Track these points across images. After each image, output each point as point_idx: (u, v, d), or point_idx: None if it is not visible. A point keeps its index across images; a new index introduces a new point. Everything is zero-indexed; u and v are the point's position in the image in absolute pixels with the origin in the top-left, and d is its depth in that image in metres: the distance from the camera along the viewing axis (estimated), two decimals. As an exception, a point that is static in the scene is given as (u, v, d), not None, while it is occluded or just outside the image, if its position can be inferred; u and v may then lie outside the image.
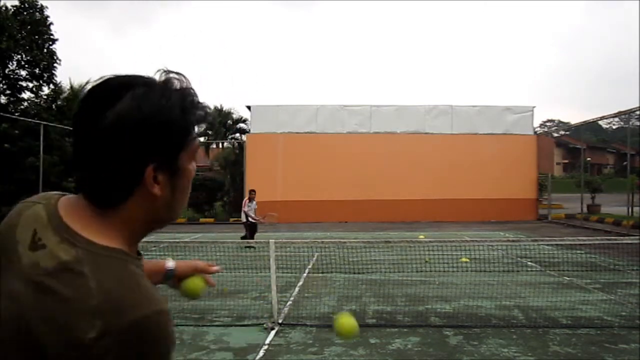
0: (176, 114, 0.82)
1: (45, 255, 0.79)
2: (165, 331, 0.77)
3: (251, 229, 12.90)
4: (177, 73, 0.86)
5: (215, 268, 1.31)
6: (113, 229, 0.82)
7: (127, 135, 0.78)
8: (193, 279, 1.28)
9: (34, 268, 0.78)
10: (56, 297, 0.75)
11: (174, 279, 1.26)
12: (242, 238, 12.27)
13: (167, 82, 0.84)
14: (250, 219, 12.87)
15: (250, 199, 13.17)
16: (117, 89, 0.81)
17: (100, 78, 0.85)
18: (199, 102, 0.87)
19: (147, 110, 0.79)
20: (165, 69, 0.85)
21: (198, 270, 1.28)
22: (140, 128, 0.79)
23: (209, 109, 0.89)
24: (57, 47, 21.61)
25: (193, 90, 0.87)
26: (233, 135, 32.58)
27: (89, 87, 0.84)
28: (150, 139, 0.80)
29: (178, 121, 0.83)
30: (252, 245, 11.09)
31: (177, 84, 0.85)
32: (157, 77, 0.84)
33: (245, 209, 12.98)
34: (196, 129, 0.88)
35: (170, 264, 1.26)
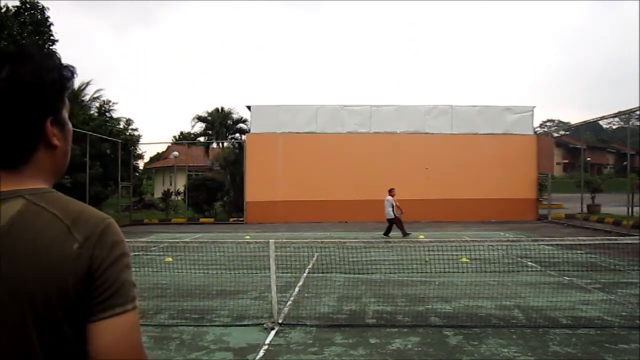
0: (57, 74, 0.95)
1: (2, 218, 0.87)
2: (119, 232, 0.95)
3: (393, 223, 14.60)
4: (35, 43, 0.98)
5: None
6: (35, 178, 0.94)
7: (26, 96, 0.91)
8: None
9: (9, 232, 0.86)
10: (28, 237, 0.86)
11: None
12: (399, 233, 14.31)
13: (41, 50, 0.98)
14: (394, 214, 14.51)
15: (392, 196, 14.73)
16: (6, 59, 0.92)
17: None
18: (66, 64, 0.99)
19: (38, 73, 0.92)
20: (27, 43, 0.95)
21: None
22: (36, 89, 0.92)
23: (73, 67, 1.00)
24: (57, 48, 21.63)
25: (57, 53, 1.00)
26: (233, 135, 32.57)
27: None
28: (44, 97, 0.93)
29: (59, 80, 0.96)
30: (408, 232, 14.22)
31: (44, 51, 0.98)
32: (26, 46, 0.96)
33: (395, 203, 14.58)
34: (69, 86, 1.00)
35: None
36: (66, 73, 0.97)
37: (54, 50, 1.01)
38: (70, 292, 0.87)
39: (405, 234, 14.41)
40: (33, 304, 0.85)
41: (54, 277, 0.86)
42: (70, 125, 1.02)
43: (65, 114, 1.00)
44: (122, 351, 0.89)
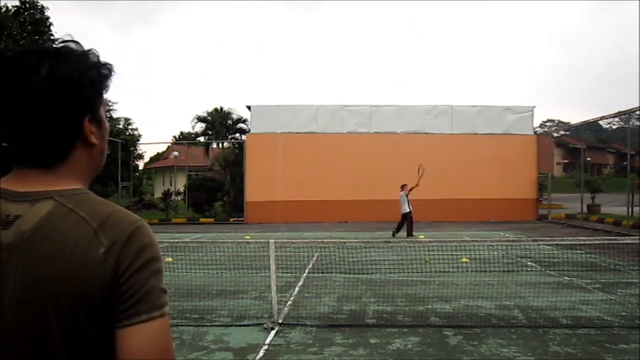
0: (95, 72, 0.95)
1: (24, 221, 0.87)
2: (153, 236, 0.93)
3: (406, 220, 14.70)
4: (74, 41, 0.96)
5: None
6: (68, 178, 0.93)
7: (65, 94, 0.90)
8: None
9: (19, 237, 0.86)
10: (55, 239, 0.85)
11: None
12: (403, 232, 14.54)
13: (79, 48, 0.96)
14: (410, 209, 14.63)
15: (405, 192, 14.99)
16: (43, 58, 0.91)
17: (21, 51, 0.94)
18: (104, 61, 0.98)
19: (76, 71, 0.91)
20: (63, 39, 0.96)
21: None
22: (75, 87, 0.91)
23: (111, 65, 0.99)
24: (57, 47, 21.63)
25: (96, 51, 0.98)
26: (233, 135, 32.58)
27: (4, 59, 0.94)
28: (82, 95, 0.92)
29: (97, 78, 0.95)
30: (412, 234, 14.35)
31: (83, 49, 0.97)
32: (61, 46, 0.95)
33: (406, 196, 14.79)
34: (107, 84, 0.99)
35: None
36: (104, 71, 0.97)
37: (88, 49, 0.97)
38: (95, 296, 0.85)
39: (409, 235, 14.44)
40: (57, 305, 0.85)
41: (77, 280, 0.85)
42: (107, 123, 1.01)
43: (103, 111, 1.00)
44: (149, 359, 0.86)
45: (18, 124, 0.89)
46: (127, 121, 27.64)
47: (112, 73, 0.99)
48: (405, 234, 14.50)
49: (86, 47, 0.97)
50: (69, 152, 0.93)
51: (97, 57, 0.97)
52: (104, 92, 0.99)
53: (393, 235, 14.54)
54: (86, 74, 0.93)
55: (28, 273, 0.85)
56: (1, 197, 0.89)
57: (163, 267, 0.94)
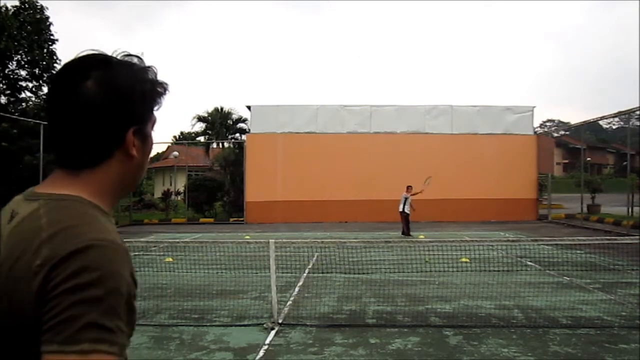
0: (149, 86, 0.94)
1: (16, 218, 0.87)
2: (110, 263, 0.79)
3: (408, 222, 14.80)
4: (137, 56, 0.96)
5: None
6: (84, 185, 0.89)
7: (115, 101, 0.89)
8: None
9: (7, 229, 0.87)
10: (13, 243, 0.83)
11: None
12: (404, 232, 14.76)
13: (138, 61, 0.96)
14: (406, 210, 14.72)
15: (409, 193, 15.01)
16: (98, 64, 0.91)
17: (78, 55, 0.93)
18: (161, 80, 0.98)
19: (128, 81, 0.91)
20: (127, 53, 0.96)
21: None
22: (124, 96, 0.90)
23: (167, 84, 0.99)
24: (57, 47, 21.63)
25: (155, 68, 0.98)
26: (233, 135, 32.56)
27: (66, 62, 0.94)
28: (130, 106, 0.91)
29: (149, 92, 0.95)
30: (410, 234, 14.46)
31: (144, 63, 0.96)
32: (122, 57, 0.94)
33: (409, 197, 14.88)
34: (160, 101, 0.98)
35: None
36: (159, 88, 0.96)
37: (152, 66, 0.97)
38: (23, 311, 0.78)
39: (403, 234, 14.46)
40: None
41: (9, 291, 0.79)
42: (152, 140, 0.99)
43: (150, 128, 0.98)
44: None
45: (64, 124, 0.89)
46: None
47: (167, 92, 0.98)
48: (401, 231, 14.62)
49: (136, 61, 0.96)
50: (105, 160, 0.91)
51: (155, 74, 0.96)
52: (155, 109, 0.97)
53: (406, 235, 14.62)
54: (140, 86, 0.92)
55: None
56: (22, 195, 0.92)
57: (114, 299, 0.77)
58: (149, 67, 0.96)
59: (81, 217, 0.83)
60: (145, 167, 0.99)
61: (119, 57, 0.94)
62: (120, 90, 0.89)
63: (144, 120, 0.94)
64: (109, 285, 0.77)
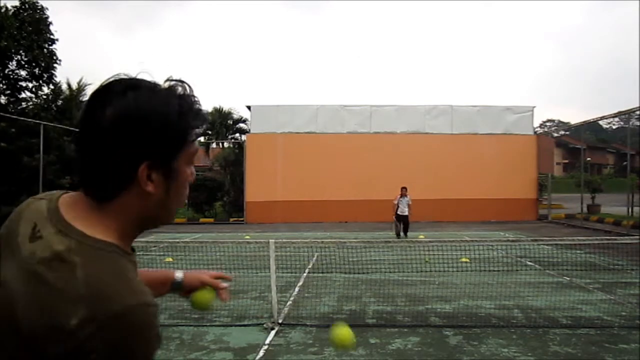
0: (173, 117, 0.86)
1: (41, 246, 0.83)
2: (149, 324, 0.81)
3: (400, 221, 14.48)
4: (181, 81, 0.90)
5: (225, 285, 1.34)
6: (107, 222, 0.86)
7: (124, 132, 0.83)
8: (202, 292, 1.29)
9: (30, 257, 0.83)
10: (45, 284, 0.79)
11: (181, 290, 1.30)
12: (397, 232, 14.48)
13: (170, 88, 0.89)
14: (398, 212, 14.46)
15: (402, 195, 14.66)
16: (121, 91, 0.85)
17: (108, 80, 0.88)
18: (198, 109, 0.90)
19: (144, 111, 0.84)
20: (172, 78, 0.90)
21: (206, 283, 1.32)
22: (137, 127, 0.83)
23: (208, 116, 0.92)
24: (57, 47, 21.61)
25: (194, 97, 0.90)
26: (233, 135, 32.59)
27: (95, 87, 0.89)
28: (145, 138, 0.84)
29: (174, 124, 0.86)
30: (400, 234, 14.20)
31: (180, 91, 0.89)
32: (162, 84, 0.89)
33: (396, 202, 14.54)
34: (194, 134, 0.90)
35: (178, 275, 1.29)
36: (192, 119, 0.88)
37: (189, 92, 0.89)
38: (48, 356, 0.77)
39: (397, 234, 14.44)
40: (16, 349, 0.80)
41: (37, 340, 0.77)
42: (186, 174, 0.92)
43: (183, 163, 0.90)
44: None
45: (81, 151, 0.86)
46: None
47: (204, 125, 0.91)
48: (394, 231, 14.60)
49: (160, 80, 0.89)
50: (118, 194, 0.86)
51: (191, 103, 0.89)
52: (190, 142, 0.89)
53: (403, 236, 14.34)
54: (160, 117, 0.84)
55: (16, 297, 0.81)
56: (48, 211, 0.88)
57: (145, 354, 0.81)
58: (180, 95, 0.88)
59: (118, 276, 0.81)
60: (170, 205, 0.93)
61: (155, 83, 0.88)
62: (133, 120, 0.83)
63: (163, 154, 0.86)
64: (144, 352, 0.80)
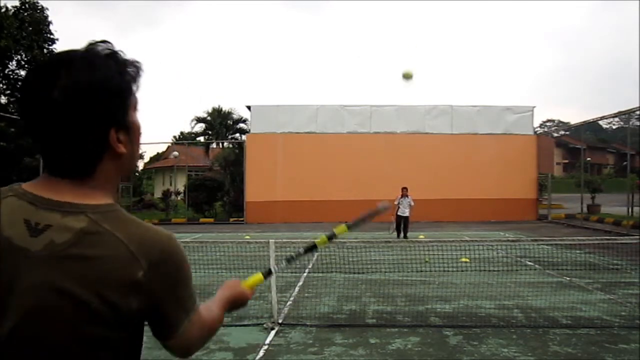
0: (118, 78, 0.90)
1: (56, 232, 0.85)
2: (181, 248, 0.97)
3: (399, 223, 14.36)
4: (103, 41, 0.93)
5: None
6: (97, 190, 0.91)
7: (85, 106, 0.86)
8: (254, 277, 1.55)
9: (50, 247, 0.84)
10: (90, 259, 0.85)
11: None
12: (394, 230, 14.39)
13: (102, 51, 0.92)
14: (398, 212, 14.22)
15: (403, 196, 14.43)
16: (57, 65, 0.88)
17: (42, 65, 0.91)
18: (130, 61, 0.95)
19: (96, 80, 0.87)
20: (94, 41, 0.93)
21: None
22: (95, 97, 0.87)
23: (138, 62, 0.96)
24: (57, 47, 21.63)
25: (121, 51, 0.94)
26: (233, 135, 32.59)
27: (30, 69, 0.92)
28: (105, 105, 0.88)
29: (120, 83, 0.91)
30: (393, 232, 14.22)
31: (107, 51, 0.92)
32: (89, 48, 0.91)
33: (396, 202, 14.21)
34: (135, 85, 0.95)
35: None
36: (131, 73, 0.93)
37: (114, 49, 0.91)
38: (133, 314, 0.89)
39: (391, 232, 14.37)
40: (92, 319, 0.85)
41: (115, 298, 0.86)
42: (138, 123, 0.97)
43: (133, 114, 0.95)
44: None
45: (42, 138, 0.88)
46: None
47: (140, 72, 0.96)
48: (390, 230, 14.47)
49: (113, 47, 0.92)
50: (97, 165, 0.91)
51: (123, 58, 0.93)
52: (133, 94, 0.95)
53: (404, 237, 14.16)
54: (109, 84, 0.88)
55: (59, 286, 0.84)
56: (31, 203, 0.87)
57: (189, 269, 0.99)
58: (113, 54, 0.92)
59: (141, 224, 0.93)
60: (136, 152, 1.00)
61: (78, 53, 0.90)
62: (89, 93, 0.86)
63: (123, 114, 0.92)
64: (188, 269, 0.99)
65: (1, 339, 0.83)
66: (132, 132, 0.95)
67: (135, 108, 0.96)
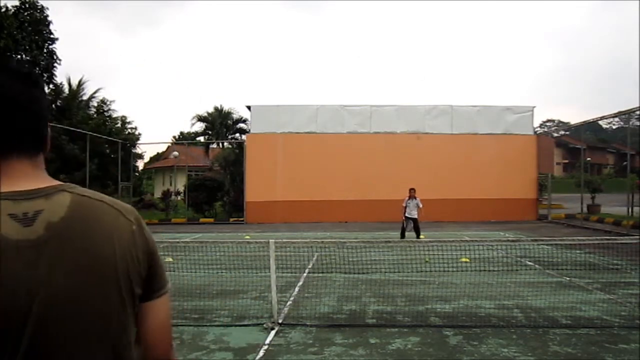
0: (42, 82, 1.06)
1: (49, 213, 0.90)
2: None
3: (410, 224, 14.08)
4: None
5: None
6: (48, 176, 1.00)
7: (44, 103, 1.02)
8: None
9: (51, 228, 0.89)
10: (94, 222, 0.94)
11: None
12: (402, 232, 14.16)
13: (22, 63, 1.11)
14: (405, 214, 14.09)
15: (410, 197, 14.18)
16: (34, 74, 1.03)
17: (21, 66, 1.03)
18: (33, 73, 1.06)
19: (38, 95, 1.01)
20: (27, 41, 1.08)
21: None
22: (45, 98, 1.04)
23: (35, 73, 1.07)
24: (57, 47, 21.62)
25: (31, 50, 1.22)
26: (233, 135, 32.60)
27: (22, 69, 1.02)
28: (46, 115, 1.03)
29: (43, 96, 1.05)
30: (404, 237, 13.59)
31: (25, 69, 1.03)
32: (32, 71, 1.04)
33: (404, 204, 14.11)
34: None
35: None
36: (40, 83, 1.06)
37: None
38: (141, 268, 0.98)
39: (402, 234, 14.32)
40: (119, 284, 0.94)
41: (129, 255, 0.96)
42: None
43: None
44: (169, 325, 1.07)
45: (27, 119, 0.98)
46: (123, 119, 27.57)
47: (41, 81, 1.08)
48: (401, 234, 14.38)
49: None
50: (40, 157, 1.01)
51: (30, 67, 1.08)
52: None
53: (417, 237, 13.73)
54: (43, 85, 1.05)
55: (75, 258, 0.89)
56: (7, 200, 0.89)
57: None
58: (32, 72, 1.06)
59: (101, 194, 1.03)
60: (45, 156, 1.09)
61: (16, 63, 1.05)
62: (44, 93, 1.04)
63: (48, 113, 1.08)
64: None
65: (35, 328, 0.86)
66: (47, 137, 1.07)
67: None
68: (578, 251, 11.14)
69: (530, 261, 10.04)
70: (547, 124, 69.91)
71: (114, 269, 0.93)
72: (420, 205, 14.03)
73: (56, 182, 0.97)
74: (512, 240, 10.74)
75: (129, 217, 0.99)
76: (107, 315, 0.92)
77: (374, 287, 7.73)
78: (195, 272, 8.54)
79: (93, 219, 0.93)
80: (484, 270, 8.72)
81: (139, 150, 29.29)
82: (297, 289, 7.65)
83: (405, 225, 14.18)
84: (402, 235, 14.11)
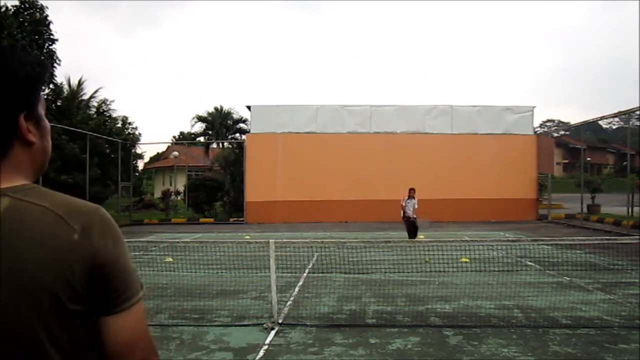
0: (29, 69, 0.94)
1: None
2: (112, 219, 0.96)
3: (409, 226, 13.86)
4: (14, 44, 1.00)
5: None
6: (14, 175, 0.93)
7: (1, 89, 0.91)
8: None
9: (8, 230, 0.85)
10: (25, 230, 0.86)
11: None
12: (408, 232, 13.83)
13: (14, 46, 0.98)
14: (406, 215, 13.83)
15: (410, 197, 14.01)
16: None
17: None
18: (40, 60, 0.99)
19: (10, 68, 0.92)
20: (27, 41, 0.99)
21: None
22: (8, 83, 0.91)
23: (46, 64, 1.01)
24: (56, 47, 21.62)
25: (29, 49, 1.01)
26: (233, 135, 32.61)
27: None
28: (16, 92, 0.92)
29: (32, 75, 0.95)
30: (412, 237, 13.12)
31: (17, 46, 0.97)
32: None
33: (403, 203, 13.87)
34: (43, 81, 1.00)
35: None
36: (39, 69, 0.97)
37: (26, 46, 1.00)
38: (77, 282, 0.87)
39: (408, 234, 14.25)
40: (38, 298, 0.85)
41: (57, 268, 0.86)
42: (46, 122, 1.01)
43: (41, 110, 0.99)
44: (139, 338, 0.94)
45: None
46: (124, 119, 27.55)
47: (47, 70, 1.00)
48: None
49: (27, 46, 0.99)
50: (8, 149, 0.92)
51: (31, 55, 0.97)
52: (40, 89, 0.99)
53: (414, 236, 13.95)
54: (20, 70, 0.92)
55: (1, 271, 0.83)
56: None
57: (125, 243, 0.98)
58: (23, 48, 0.98)
59: (65, 195, 0.94)
60: (48, 149, 1.01)
61: None
62: (3, 77, 0.91)
63: (32, 103, 0.95)
64: (122, 236, 0.97)
65: None
66: (40, 125, 0.98)
67: (43, 105, 1.00)
68: (578, 251, 11.14)
69: (530, 261, 10.03)
70: (547, 124, 69.92)
71: (31, 280, 0.84)
72: (416, 206, 14.00)
73: (9, 185, 0.90)
74: (512, 240, 10.74)
75: (73, 224, 0.88)
76: (14, 331, 0.84)
77: (374, 287, 7.73)
78: (195, 272, 8.54)
79: (22, 226, 0.86)
80: (484, 270, 8.72)
81: (139, 150, 29.27)
82: (297, 289, 7.65)
83: (409, 225, 14.00)
84: (411, 235, 14.03)
